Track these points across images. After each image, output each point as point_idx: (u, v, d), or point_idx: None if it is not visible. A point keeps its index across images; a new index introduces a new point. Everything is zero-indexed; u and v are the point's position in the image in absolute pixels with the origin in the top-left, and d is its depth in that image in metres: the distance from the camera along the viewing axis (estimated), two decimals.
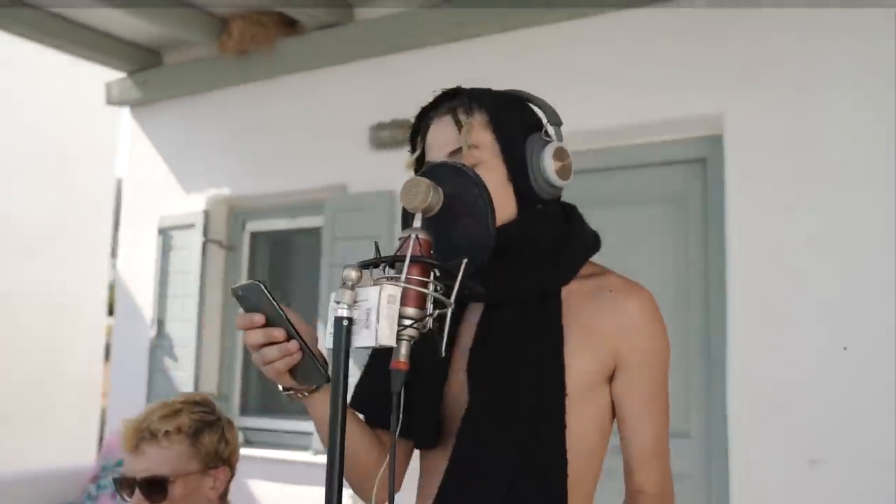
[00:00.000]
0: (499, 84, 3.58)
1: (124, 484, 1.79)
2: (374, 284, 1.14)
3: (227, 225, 4.63)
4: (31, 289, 6.63)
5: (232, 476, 1.90)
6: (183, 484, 1.78)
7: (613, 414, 1.32)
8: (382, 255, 1.23)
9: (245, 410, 4.53)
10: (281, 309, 1.23)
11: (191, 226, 4.53)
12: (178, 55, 4.84)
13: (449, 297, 1.16)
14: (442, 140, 1.38)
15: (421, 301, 1.15)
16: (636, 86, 3.38)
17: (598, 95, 3.44)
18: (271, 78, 4.35)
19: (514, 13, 3.68)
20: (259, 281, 1.24)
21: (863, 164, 2.94)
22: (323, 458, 3.84)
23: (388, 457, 1.27)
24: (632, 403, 1.29)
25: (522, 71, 3.57)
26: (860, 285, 2.85)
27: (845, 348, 2.85)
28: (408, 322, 1.13)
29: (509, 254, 1.26)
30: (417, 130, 1.44)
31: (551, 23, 3.63)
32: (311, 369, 1.27)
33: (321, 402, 1.33)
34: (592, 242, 1.37)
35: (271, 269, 4.70)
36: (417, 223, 1.21)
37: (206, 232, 4.49)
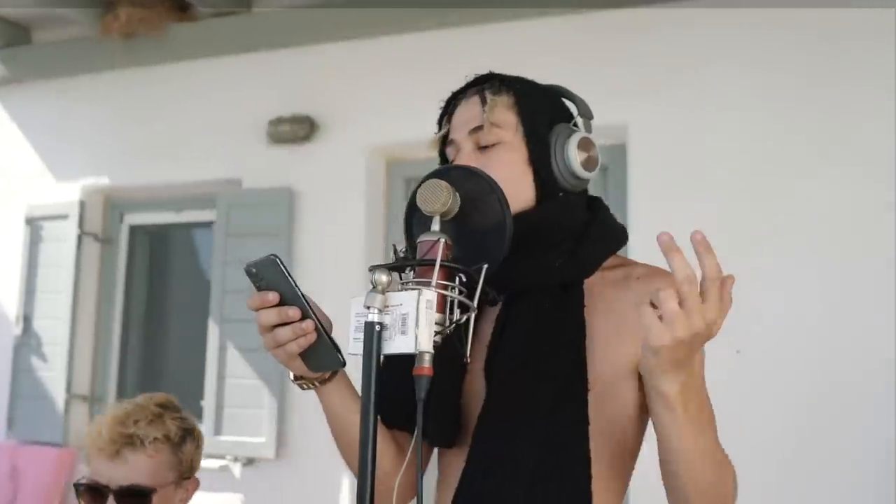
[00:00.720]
0: (406, 85, 3.59)
1: (94, 492, 1.65)
2: (404, 289, 1.11)
3: (103, 217, 4.37)
4: None
5: (195, 490, 1.80)
6: (161, 495, 1.67)
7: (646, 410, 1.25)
8: (391, 258, 1.20)
9: None
10: (297, 286, 1.19)
11: (64, 216, 4.23)
12: (49, 33, 4.51)
13: (472, 301, 1.14)
14: (466, 117, 1.37)
15: (444, 305, 1.13)
16: None
17: None
18: (160, 64, 4.13)
19: (415, 13, 3.66)
20: (274, 256, 1.19)
21: (751, 177, 3.13)
22: (236, 466, 3.70)
23: (408, 459, 1.25)
24: None
25: (424, 73, 3.59)
26: (752, 291, 3.03)
27: (738, 351, 3.02)
28: (437, 328, 1.11)
29: (525, 243, 1.23)
30: (446, 112, 1.42)
31: (456, 26, 3.65)
32: (325, 353, 1.23)
33: (334, 391, 1.29)
34: (620, 236, 1.37)
35: (151, 266, 4.47)
36: (436, 226, 1.18)
37: (81, 224, 4.21)
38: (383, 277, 1.11)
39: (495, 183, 1.20)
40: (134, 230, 4.41)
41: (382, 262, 1.14)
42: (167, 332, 4.46)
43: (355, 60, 3.81)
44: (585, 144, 1.32)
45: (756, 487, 2.89)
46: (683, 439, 1.11)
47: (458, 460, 1.28)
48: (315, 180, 3.80)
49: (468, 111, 1.37)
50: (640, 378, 1.22)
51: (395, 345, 1.09)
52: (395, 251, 1.22)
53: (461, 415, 1.30)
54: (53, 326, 4.19)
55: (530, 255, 1.27)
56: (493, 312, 1.31)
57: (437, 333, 1.11)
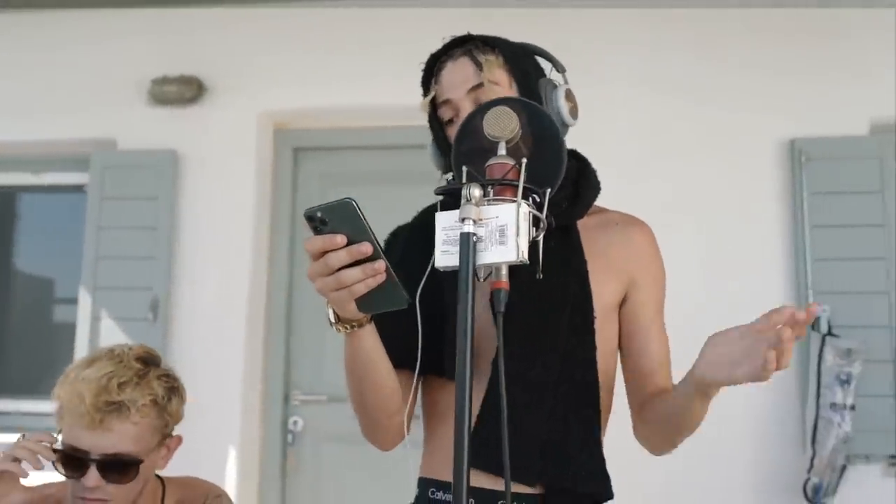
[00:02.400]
0: (297, 55, 3.59)
1: (73, 461, 1.53)
2: (493, 204, 1.16)
3: None
4: None
5: (177, 446, 1.71)
6: (148, 461, 1.58)
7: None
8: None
9: None
10: (371, 229, 1.19)
11: None
12: None
13: (543, 221, 1.21)
14: (460, 77, 1.43)
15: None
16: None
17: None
18: (29, 12, 3.83)
19: None
20: (350, 198, 1.17)
21: (645, 160, 3.38)
22: None
23: (412, 393, 1.38)
24: (645, 317, 1.47)
25: (316, 45, 3.66)
26: None
27: None
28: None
29: None
30: (430, 73, 1.47)
31: (348, 4, 3.68)
32: (389, 294, 1.23)
33: (370, 334, 1.31)
34: (598, 185, 1.51)
35: (2, 230, 4.13)
36: (502, 150, 1.24)
37: None
38: (476, 192, 1.15)
39: (549, 115, 1.28)
40: None
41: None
42: (19, 302, 4.14)
43: (249, 26, 3.73)
44: (569, 95, 1.45)
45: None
46: (698, 416, 1.35)
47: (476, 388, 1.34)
48: (202, 144, 3.68)
49: (461, 72, 1.44)
50: (619, 314, 1.47)
51: (492, 255, 1.14)
52: (467, 173, 1.26)
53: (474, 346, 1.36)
54: None
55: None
56: None
57: None
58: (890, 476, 3.17)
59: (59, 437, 1.57)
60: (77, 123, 3.80)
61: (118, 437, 1.53)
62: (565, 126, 1.45)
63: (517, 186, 1.18)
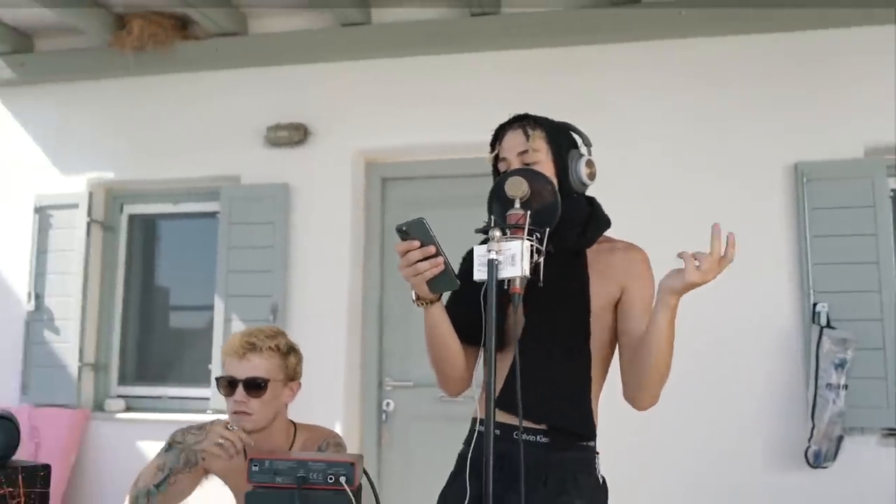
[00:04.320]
0: (382, 101, 4.46)
1: (227, 383, 2.34)
2: (508, 240, 1.90)
3: (105, 207, 4.94)
4: None
5: (297, 391, 2.51)
6: (272, 388, 2.38)
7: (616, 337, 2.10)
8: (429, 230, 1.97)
9: (123, 379, 4.87)
10: (434, 235, 1.93)
11: (73, 206, 4.79)
12: (52, 41, 5.04)
13: (542, 250, 1.94)
14: (513, 144, 2.13)
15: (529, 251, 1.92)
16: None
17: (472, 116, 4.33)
18: (167, 74, 4.75)
19: (393, 41, 4.46)
20: (422, 218, 1.93)
21: (666, 183, 4.05)
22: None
23: (485, 360, 2.05)
24: (633, 307, 2.06)
25: (397, 91, 4.43)
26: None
27: None
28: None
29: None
30: (496, 138, 2.18)
31: (423, 55, 4.45)
32: (447, 279, 1.96)
33: (439, 309, 2.04)
34: (607, 223, 2.18)
35: (145, 250, 5.07)
36: (517, 205, 1.98)
37: (90, 212, 4.78)
38: (497, 232, 1.89)
39: (550, 181, 2.01)
40: (132, 219, 5.01)
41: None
42: (162, 309, 5.06)
43: (342, 79, 4.55)
44: (589, 164, 2.13)
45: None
46: (665, 331, 1.91)
47: (505, 360, 2.05)
48: (307, 178, 4.52)
49: (515, 140, 2.14)
50: (615, 311, 2.08)
51: (507, 272, 1.87)
52: (492, 220, 2.00)
53: (505, 328, 2.07)
54: (65, 304, 4.74)
55: (556, 232, 2.06)
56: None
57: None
58: (883, 446, 3.76)
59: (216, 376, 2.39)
60: (209, 163, 4.70)
61: (254, 366, 2.34)
62: (584, 185, 2.12)
63: (524, 228, 1.93)
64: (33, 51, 5.08)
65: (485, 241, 1.90)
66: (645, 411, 2.04)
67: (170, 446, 2.39)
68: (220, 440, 2.22)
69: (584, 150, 2.19)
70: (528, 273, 1.86)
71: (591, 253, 2.13)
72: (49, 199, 4.87)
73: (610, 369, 2.14)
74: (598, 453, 2.08)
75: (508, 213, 1.96)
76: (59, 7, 4.43)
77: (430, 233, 1.92)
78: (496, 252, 1.87)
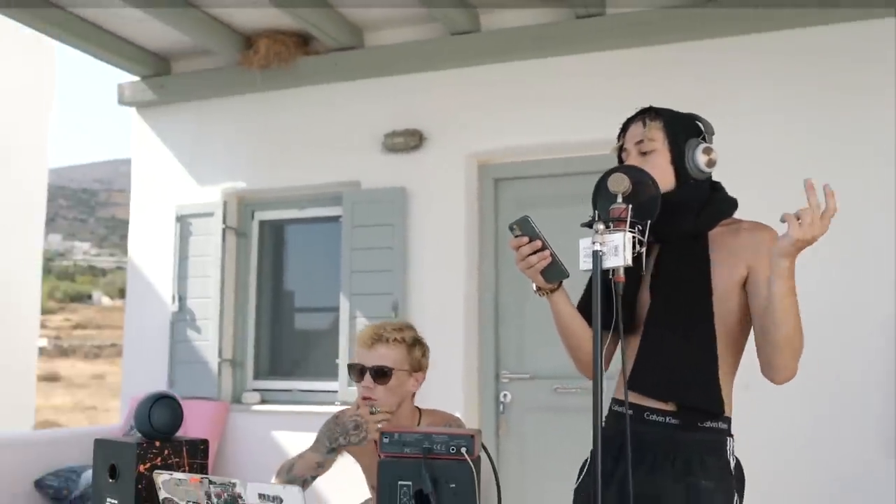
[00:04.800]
0: (494, 104, 4.64)
1: (358, 370, 2.58)
2: (611, 232, 2.04)
3: (238, 214, 5.33)
4: None
5: (422, 381, 2.73)
6: (397, 376, 2.60)
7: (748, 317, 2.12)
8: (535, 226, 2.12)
9: (258, 374, 5.24)
10: (540, 231, 2.10)
11: (210, 214, 5.20)
12: (187, 63, 5.48)
13: (643, 241, 2.08)
14: (633, 134, 2.26)
15: (632, 242, 2.06)
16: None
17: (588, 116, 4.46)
18: (291, 88, 5.09)
19: (502, 47, 4.64)
20: (527, 216, 2.10)
21: (782, 170, 4.07)
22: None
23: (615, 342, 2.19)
24: (760, 286, 2.07)
25: (508, 94, 4.59)
26: None
27: None
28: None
29: (669, 210, 2.11)
30: (623, 130, 2.31)
31: (526, 59, 4.61)
32: (556, 270, 2.13)
33: (561, 297, 2.18)
34: (731, 205, 2.23)
35: (275, 253, 5.43)
36: (620, 199, 2.12)
37: (224, 220, 5.17)
38: (601, 226, 2.04)
39: (651, 176, 2.14)
40: (263, 225, 5.38)
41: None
42: (289, 307, 5.41)
43: (454, 86, 4.77)
44: (707, 151, 2.21)
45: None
46: (785, 298, 1.89)
47: (634, 342, 2.19)
48: (423, 181, 4.75)
49: (635, 131, 2.27)
50: (744, 292, 2.12)
51: (610, 262, 2.02)
52: (597, 215, 2.15)
53: (634, 313, 2.21)
54: (205, 304, 5.15)
55: (672, 218, 2.18)
56: (654, 254, 2.23)
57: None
58: None
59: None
60: (331, 170, 5.00)
61: (380, 355, 2.57)
62: (702, 172, 2.19)
63: (626, 221, 2.07)
64: (171, 73, 5.52)
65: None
66: (783, 384, 2.06)
67: (332, 450, 2.53)
68: (378, 425, 2.47)
69: (707, 136, 2.23)
70: (630, 263, 2.00)
71: (716, 235, 2.18)
72: (188, 208, 5.29)
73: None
74: (731, 436, 2.13)
75: (611, 207, 2.10)
76: (195, 32, 4.83)
77: (536, 229, 2.09)
78: (600, 244, 2.02)
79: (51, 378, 20.37)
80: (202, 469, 2.21)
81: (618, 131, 2.34)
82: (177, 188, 5.39)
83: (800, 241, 1.85)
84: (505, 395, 4.59)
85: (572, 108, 4.49)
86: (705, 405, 2.11)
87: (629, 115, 2.32)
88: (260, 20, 4.86)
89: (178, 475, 1.89)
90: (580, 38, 4.49)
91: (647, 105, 2.31)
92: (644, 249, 2.10)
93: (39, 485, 4.45)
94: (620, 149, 2.31)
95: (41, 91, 8.02)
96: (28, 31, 5.04)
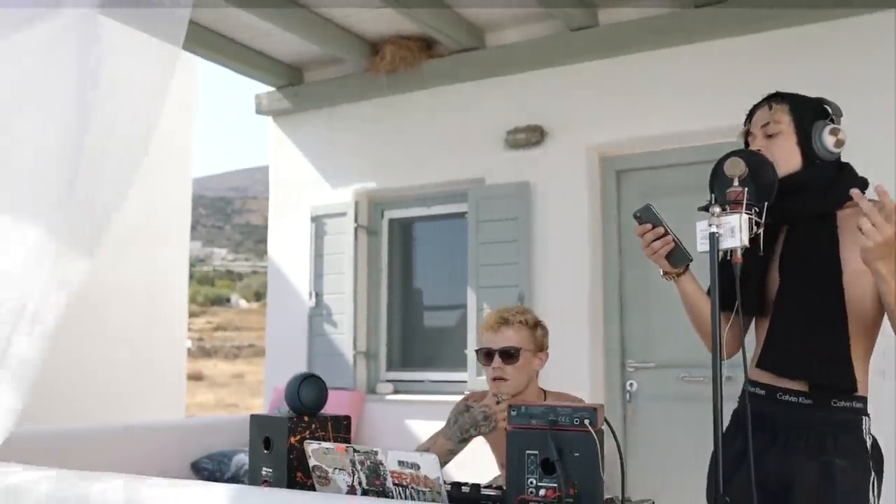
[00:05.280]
0: (613, 97, 4.67)
1: (486, 353, 2.74)
2: (727, 214, 2.11)
3: (368, 213, 5.59)
4: (122, 282, 7.30)
5: (545, 360, 2.85)
6: (524, 356, 2.74)
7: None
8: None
9: (390, 365, 5.48)
10: (662, 218, 2.19)
11: (342, 214, 5.48)
12: (318, 72, 5.78)
13: (760, 223, 2.13)
14: (759, 118, 2.31)
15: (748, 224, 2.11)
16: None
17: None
18: (416, 91, 5.30)
19: (614, 43, 4.70)
20: (650, 204, 2.20)
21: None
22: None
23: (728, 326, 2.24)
24: None
25: (626, 88, 4.64)
26: None
27: None
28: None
29: (795, 190, 2.17)
30: (749, 116, 2.35)
31: (640, 51, 4.65)
32: (679, 254, 2.22)
33: (688, 280, 2.27)
34: (861, 185, 2.18)
35: (404, 249, 5.66)
36: (736, 183, 2.17)
37: (356, 219, 5.44)
38: (717, 209, 2.11)
39: (767, 159, 2.19)
40: (392, 223, 5.62)
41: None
42: (420, 300, 5.63)
43: (573, 81, 4.85)
44: (835, 132, 2.23)
45: None
46: (887, 297, 2.00)
47: (764, 324, 2.24)
48: (545, 175, 4.87)
49: (761, 115, 2.32)
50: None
51: (727, 243, 2.09)
52: (714, 199, 2.21)
53: (765, 294, 2.26)
54: (339, 300, 5.43)
55: (798, 198, 2.21)
56: (782, 234, 2.27)
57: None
58: None
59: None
60: (456, 167, 5.18)
61: (507, 337, 2.74)
62: (830, 153, 2.22)
63: (742, 203, 2.13)
64: (303, 82, 5.84)
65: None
66: None
67: (463, 440, 2.69)
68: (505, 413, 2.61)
69: (834, 119, 2.25)
70: (746, 243, 2.06)
71: (845, 217, 2.18)
72: (322, 209, 5.59)
73: None
74: (867, 416, 2.14)
75: (728, 190, 2.16)
76: (324, 41, 5.11)
77: (658, 216, 2.20)
78: (716, 226, 2.09)
79: (195, 377, 21.51)
80: (345, 442, 2.40)
81: (742, 118, 2.40)
82: (311, 190, 5.70)
83: (874, 246, 1.90)
84: (631, 385, 4.64)
85: (691, 97, 4.50)
86: (837, 383, 2.13)
87: (755, 102, 2.37)
88: (385, 27, 5.10)
89: (326, 444, 2.09)
90: (697, 27, 4.49)
91: (770, 91, 2.37)
92: (762, 231, 2.15)
93: (195, 467, 4.81)
94: (747, 133, 2.37)
95: (185, 105, 8.58)
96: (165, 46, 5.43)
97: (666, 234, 2.21)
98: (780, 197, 2.12)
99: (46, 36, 2.54)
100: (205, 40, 5.25)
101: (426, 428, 4.92)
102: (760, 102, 2.34)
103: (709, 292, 2.33)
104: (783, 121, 2.26)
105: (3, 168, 2.52)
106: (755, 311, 2.29)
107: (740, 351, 2.03)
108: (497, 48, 5.10)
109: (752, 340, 2.31)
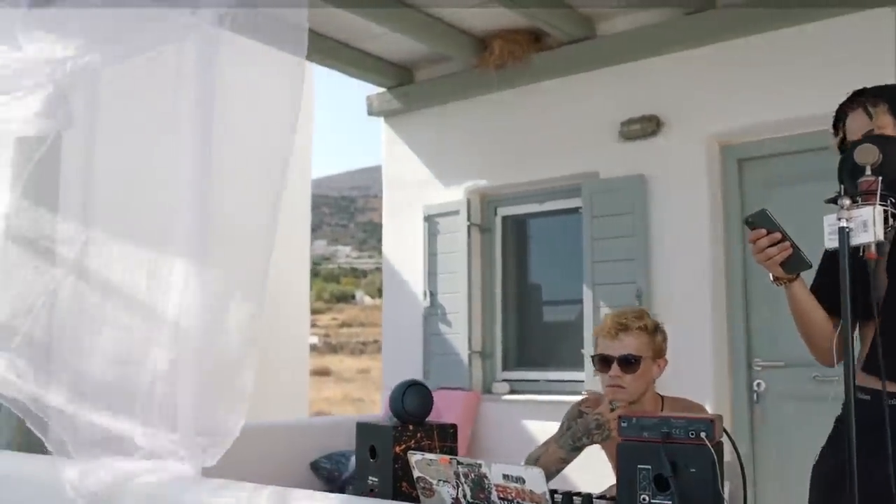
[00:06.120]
0: (732, 82, 4.40)
1: (603, 360, 2.62)
2: (859, 207, 1.92)
3: (481, 211, 5.53)
4: None
5: (664, 367, 2.71)
6: (644, 364, 2.61)
7: None
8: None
9: (506, 365, 5.41)
10: (779, 223, 2.03)
11: (455, 213, 5.44)
12: (427, 71, 5.76)
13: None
14: (857, 126, 2.16)
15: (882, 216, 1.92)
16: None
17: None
18: (525, 85, 5.20)
19: (731, 25, 4.45)
20: (765, 208, 2.04)
21: None
22: None
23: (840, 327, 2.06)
24: None
25: (745, 72, 4.39)
26: None
27: None
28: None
29: None
30: (839, 120, 2.21)
31: (758, 32, 4.38)
32: (797, 260, 2.06)
33: (800, 287, 2.12)
34: None
35: (518, 247, 5.57)
36: (868, 172, 1.98)
37: (469, 217, 5.39)
38: (847, 201, 1.93)
39: None
40: (505, 220, 5.54)
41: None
42: (535, 300, 5.53)
43: (689, 68, 4.64)
44: None
45: None
46: None
47: (870, 327, 2.06)
48: (662, 166, 4.67)
49: (858, 121, 2.15)
50: None
51: (859, 239, 1.90)
52: (843, 190, 2.03)
53: (870, 296, 2.06)
54: (454, 299, 5.40)
55: None
56: (889, 234, 2.06)
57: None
58: None
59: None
60: (569, 162, 5.05)
61: (625, 345, 2.59)
62: None
63: (876, 194, 1.94)
64: (413, 82, 5.83)
65: None
66: None
67: (576, 448, 2.62)
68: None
69: None
70: (882, 238, 1.88)
71: None
72: (434, 208, 5.56)
73: None
74: None
75: (859, 180, 1.98)
76: (432, 40, 5.08)
77: (774, 221, 2.05)
78: (846, 220, 1.92)
79: (322, 373, 22.07)
80: (451, 451, 2.35)
81: (832, 120, 2.22)
82: (423, 190, 5.69)
83: None
84: (758, 385, 4.40)
85: (818, 78, 4.21)
86: None
87: (841, 102, 2.19)
88: (493, 22, 5.01)
89: (430, 455, 2.04)
90: (818, 5, 4.19)
91: (873, 77, 2.20)
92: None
93: (314, 467, 4.88)
94: (842, 142, 2.19)
95: (303, 108, 8.73)
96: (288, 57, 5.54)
97: (783, 239, 2.05)
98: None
99: (174, 59, 2.56)
100: (316, 45, 5.31)
101: (543, 429, 4.82)
102: (851, 104, 2.17)
103: (815, 294, 2.17)
104: (888, 125, 2.10)
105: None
106: (861, 315, 2.11)
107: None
108: (608, 37, 4.93)
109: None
